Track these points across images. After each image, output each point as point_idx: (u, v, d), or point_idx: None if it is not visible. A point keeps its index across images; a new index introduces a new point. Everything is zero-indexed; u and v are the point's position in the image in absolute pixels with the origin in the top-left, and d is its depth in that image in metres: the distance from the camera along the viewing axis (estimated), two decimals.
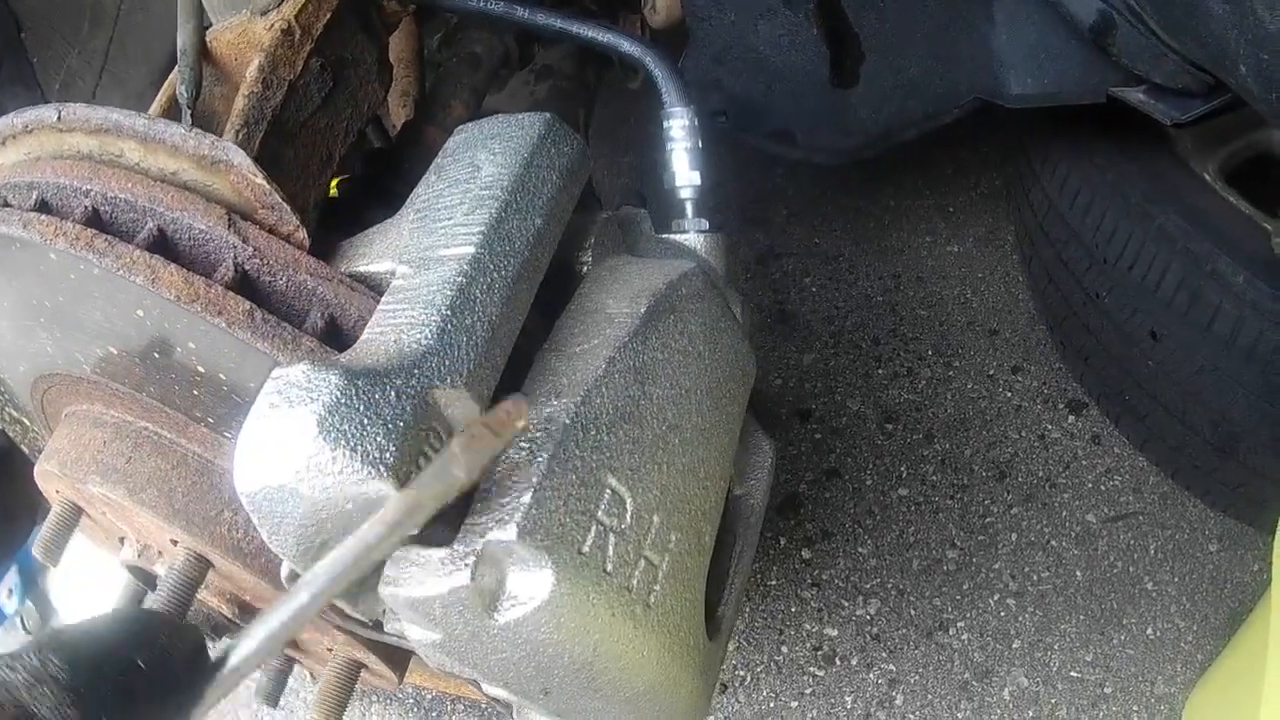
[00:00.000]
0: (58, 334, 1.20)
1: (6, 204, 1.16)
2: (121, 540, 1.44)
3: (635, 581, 0.96)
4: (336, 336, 1.02)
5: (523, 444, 0.91)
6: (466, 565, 0.87)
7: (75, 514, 1.38)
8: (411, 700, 2.07)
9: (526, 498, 0.88)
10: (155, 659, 0.61)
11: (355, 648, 1.34)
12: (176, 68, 1.30)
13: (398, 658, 1.38)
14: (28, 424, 1.51)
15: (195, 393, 1.12)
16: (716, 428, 1.10)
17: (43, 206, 1.12)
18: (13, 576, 2.40)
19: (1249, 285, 1.58)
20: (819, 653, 2.02)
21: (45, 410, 1.39)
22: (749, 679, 2.01)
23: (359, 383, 0.83)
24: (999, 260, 2.50)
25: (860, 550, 2.11)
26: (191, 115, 1.27)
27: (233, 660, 0.67)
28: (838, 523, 2.15)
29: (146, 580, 1.46)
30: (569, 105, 1.77)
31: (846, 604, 2.06)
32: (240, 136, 1.21)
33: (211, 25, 1.37)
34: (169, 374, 1.13)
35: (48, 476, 1.33)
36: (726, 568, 1.21)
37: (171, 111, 1.32)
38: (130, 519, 1.32)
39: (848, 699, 1.97)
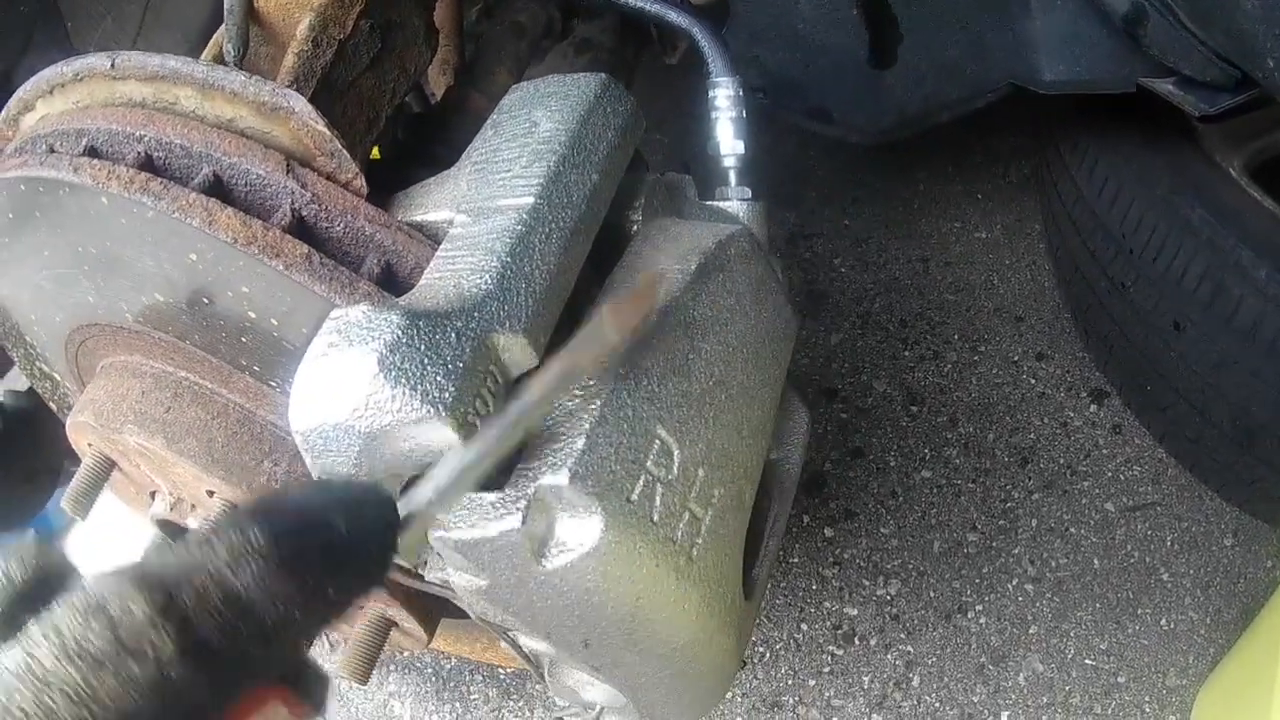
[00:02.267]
0: (101, 282, 1.20)
1: (53, 150, 1.16)
2: (153, 495, 1.45)
3: (680, 533, 0.97)
4: (393, 283, 1.03)
5: (576, 392, 0.92)
6: (518, 509, 0.88)
7: (107, 467, 1.38)
8: (430, 670, 2.08)
9: (579, 443, 0.89)
10: (354, 523, 0.58)
11: (388, 603, 1.35)
12: (222, 27, 1.30)
13: (430, 615, 1.39)
14: (58, 379, 1.51)
15: (243, 340, 1.13)
16: (760, 387, 1.11)
17: (91, 153, 1.12)
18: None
19: (1271, 280, 1.59)
20: (839, 631, 2.03)
21: (79, 364, 1.40)
22: (768, 655, 2.02)
23: (420, 323, 0.84)
24: (1026, 248, 2.51)
25: (882, 530, 2.12)
26: None
27: (418, 505, 0.67)
28: (861, 502, 2.16)
29: (176, 535, 1.47)
30: None
31: (867, 583, 2.07)
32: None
33: None
34: (216, 321, 1.13)
35: (81, 428, 1.33)
36: (761, 530, 1.22)
37: None
38: (166, 470, 1.32)
39: (865, 679, 1.98)
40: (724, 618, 1.05)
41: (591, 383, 0.92)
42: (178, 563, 0.52)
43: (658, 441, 0.95)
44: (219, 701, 0.52)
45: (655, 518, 0.94)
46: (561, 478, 0.88)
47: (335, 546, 0.57)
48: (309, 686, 0.62)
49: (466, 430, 0.85)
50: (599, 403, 0.91)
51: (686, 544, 0.98)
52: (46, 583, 0.54)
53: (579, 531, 0.90)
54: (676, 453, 0.96)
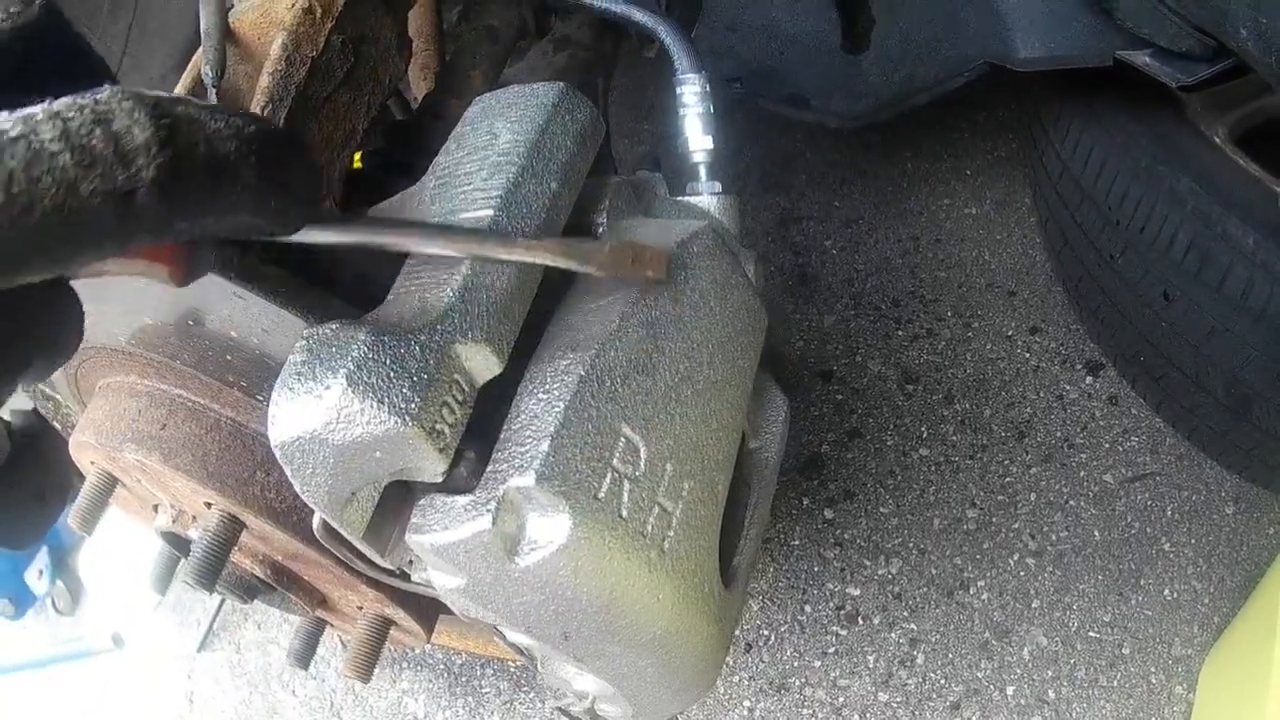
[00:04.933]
0: (91, 307, 1.23)
1: None
2: (155, 508, 1.49)
3: (650, 527, 0.99)
4: (364, 298, 1.06)
5: (540, 395, 0.95)
6: (488, 511, 0.91)
7: (110, 483, 1.42)
8: (442, 665, 2.11)
9: (544, 445, 0.92)
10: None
11: (385, 604, 1.38)
12: (200, 49, 1.33)
13: (426, 613, 1.42)
14: (60, 400, 1.55)
15: (228, 358, 1.17)
16: (728, 380, 1.13)
17: None
18: (43, 557, 2.44)
19: (1259, 247, 1.59)
20: (842, 612, 2.06)
21: (78, 385, 1.44)
22: (773, 638, 2.04)
23: (385, 339, 0.88)
24: (1016, 222, 2.51)
25: (882, 510, 2.15)
26: (217, 94, 1.31)
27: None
28: (859, 483, 2.19)
29: (180, 546, 1.51)
30: (588, 75, 1.79)
31: (869, 563, 2.10)
32: (265, 113, 1.24)
33: (234, 6, 1.40)
34: (203, 341, 1.17)
35: (83, 447, 1.37)
36: (741, 519, 1.24)
37: (196, 92, 1.35)
38: (165, 484, 1.36)
39: (870, 658, 2.01)
40: (701, 606, 1.08)
41: (554, 386, 0.95)
42: (183, 110, 0.62)
43: (623, 439, 0.97)
44: (140, 236, 0.61)
45: (624, 513, 0.96)
46: (528, 479, 0.91)
47: (301, 182, 0.71)
48: (196, 261, 0.77)
49: (435, 438, 0.89)
50: (563, 405, 0.94)
51: (658, 537, 1.00)
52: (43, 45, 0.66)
53: (549, 529, 0.93)
54: (643, 449, 0.99)
